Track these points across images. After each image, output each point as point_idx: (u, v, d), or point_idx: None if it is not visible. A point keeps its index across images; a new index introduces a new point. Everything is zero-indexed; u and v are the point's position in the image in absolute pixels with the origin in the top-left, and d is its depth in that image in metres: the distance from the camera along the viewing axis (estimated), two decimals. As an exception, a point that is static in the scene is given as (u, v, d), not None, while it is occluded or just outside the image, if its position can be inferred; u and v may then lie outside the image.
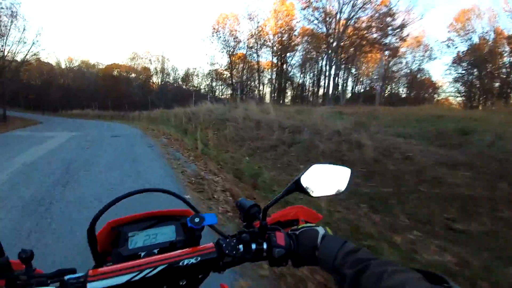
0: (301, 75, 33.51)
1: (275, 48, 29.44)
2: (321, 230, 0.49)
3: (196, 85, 39.74)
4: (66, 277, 0.37)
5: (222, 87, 38.66)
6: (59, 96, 37.93)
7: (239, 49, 30.95)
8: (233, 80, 32.94)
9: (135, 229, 0.52)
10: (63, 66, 42.31)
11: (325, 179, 0.54)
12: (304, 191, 0.52)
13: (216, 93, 38.45)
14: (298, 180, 0.52)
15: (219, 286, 0.57)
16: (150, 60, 40.77)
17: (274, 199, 0.52)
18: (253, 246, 0.47)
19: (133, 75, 41.83)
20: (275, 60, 30.76)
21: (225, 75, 34.68)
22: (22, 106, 37.54)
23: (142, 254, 0.48)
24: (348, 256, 0.40)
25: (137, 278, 0.38)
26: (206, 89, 38.20)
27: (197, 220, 0.46)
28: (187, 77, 40.29)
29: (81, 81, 40.79)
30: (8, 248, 0.37)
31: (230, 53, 31.01)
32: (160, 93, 33.92)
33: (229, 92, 35.28)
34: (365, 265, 0.36)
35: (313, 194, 0.53)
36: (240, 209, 0.53)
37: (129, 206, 0.66)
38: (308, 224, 0.53)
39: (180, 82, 40.25)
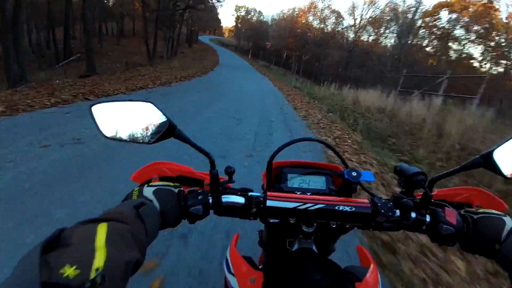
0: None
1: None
2: (509, 222, 0.41)
3: None
4: (249, 193, 0.48)
5: None
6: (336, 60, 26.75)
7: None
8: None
9: (293, 172, 0.58)
10: (353, 21, 30.02)
11: None
12: (494, 168, 0.42)
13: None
14: (490, 154, 0.42)
15: (355, 248, 0.63)
16: None
17: (447, 172, 0.45)
18: (413, 214, 0.45)
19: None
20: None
21: None
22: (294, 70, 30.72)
23: (298, 193, 0.53)
24: None
25: (301, 207, 0.44)
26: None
27: (354, 174, 0.47)
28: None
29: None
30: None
31: None
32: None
33: None
34: None
35: (507, 174, 0.42)
36: (401, 174, 0.49)
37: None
38: (493, 211, 0.43)
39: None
